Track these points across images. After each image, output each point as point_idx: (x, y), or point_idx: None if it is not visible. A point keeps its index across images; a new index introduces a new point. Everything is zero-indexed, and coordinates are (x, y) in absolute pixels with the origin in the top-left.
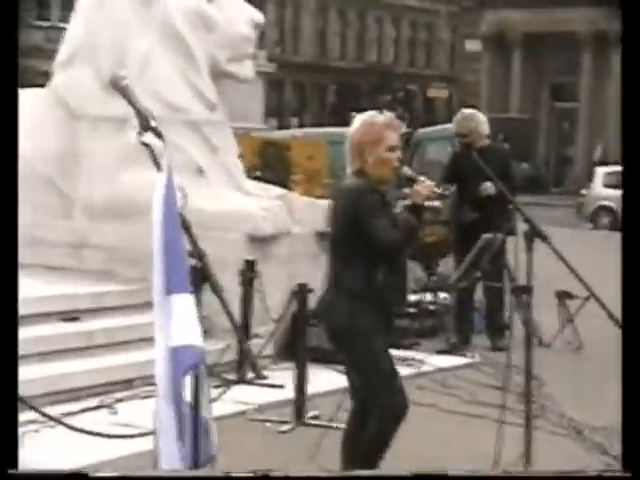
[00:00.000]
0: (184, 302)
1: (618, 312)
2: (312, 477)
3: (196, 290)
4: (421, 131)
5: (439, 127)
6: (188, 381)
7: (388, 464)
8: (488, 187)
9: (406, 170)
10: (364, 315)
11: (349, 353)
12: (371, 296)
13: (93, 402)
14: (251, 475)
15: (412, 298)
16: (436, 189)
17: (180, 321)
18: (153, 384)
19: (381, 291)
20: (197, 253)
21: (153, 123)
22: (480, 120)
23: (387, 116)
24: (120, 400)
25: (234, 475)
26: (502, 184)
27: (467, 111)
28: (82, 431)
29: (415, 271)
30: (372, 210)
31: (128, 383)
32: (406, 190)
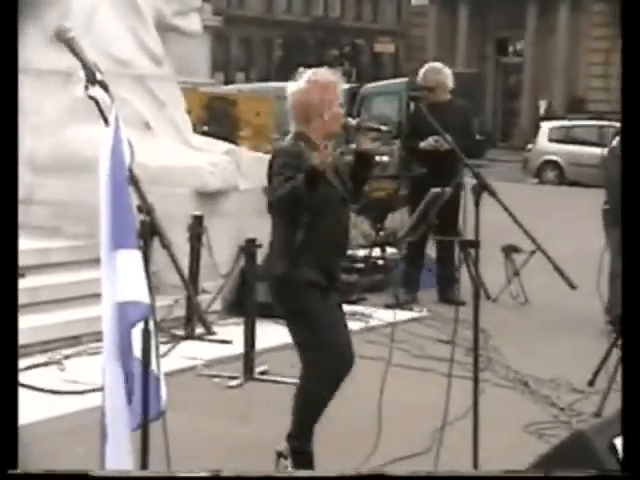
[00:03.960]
0: (131, 258)
1: (564, 265)
2: (309, 477)
3: (144, 245)
4: (368, 86)
5: (386, 82)
6: (136, 336)
7: (338, 417)
8: (430, 142)
9: (350, 120)
10: (298, 270)
11: (285, 307)
12: (302, 252)
13: (41, 359)
14: (255, 476)
15: (360, 253)
16: (379, 127)
17: (126, 277)
18: (101, 340)
19: (310, 248)
20: (145, 208)
21: (100, 76)
22: (446, 73)
23: (331, 72)
24: (68, 357)
25: (241, 475)
26: (460, 140)
27: (434, 64)
28: (30, 387)
29: (363, 226)
30: (277, 171)
31: (76, 339)
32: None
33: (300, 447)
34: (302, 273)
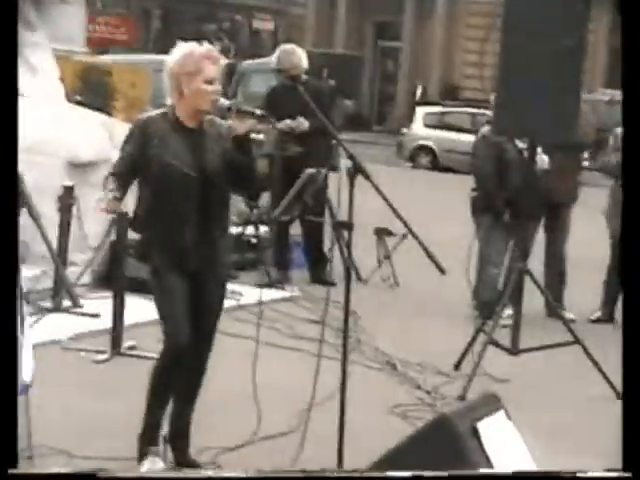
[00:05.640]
0: None
1: (434, 250)
2: (302, 477)
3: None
4: (246, 63)
5: (264, 59)
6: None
7: (201, 398)
8: (301, 122)
9: (224, 102)
10: (149, 247)
11: (150, 289)
12: (146, 224)
13: None
14: (260, 476)
15: (233, 231)
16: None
17: None
18: None
19: (155, 221)
20: None
21: None
22: (300, 55)
23: (206, 47)
24: None
25: (245, 476)
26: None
27: (288, 46)
28: None
29: (237, 204)
30: (124, 141)
31: None
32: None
33: (148, 425)
34: (146, 246)
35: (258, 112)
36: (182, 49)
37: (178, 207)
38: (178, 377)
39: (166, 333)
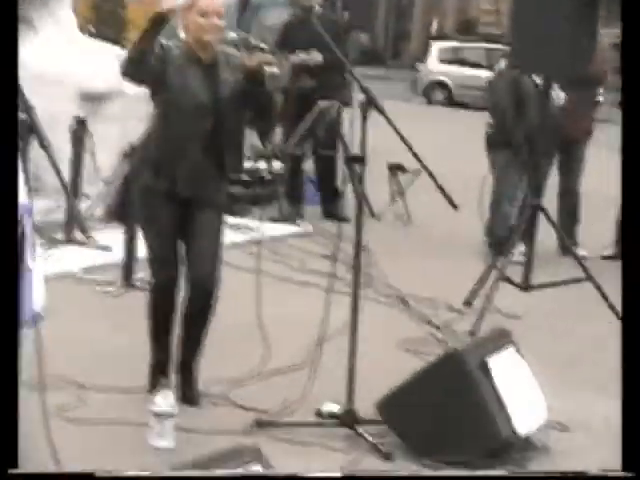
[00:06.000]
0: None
1: (447, 186)
2: (308, 477)
3: (23, 145)
4: None
5: None
6: None
7: (211, 330)
8: (315, 55)
9: (232, 35)
10: (137, 170)
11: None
12: (143, 150)
13: None
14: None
15: (246, 165)
16: (259, 45)
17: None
18: None
19: (153, 146)
20: (24, 106)
21: None
22: None
23: None
24: None
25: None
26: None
27: None
28: None
29: (250, 138)
30: None
31: None
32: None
33: (155, 356)
34: (140, 174)
35: (263, 46)
36: None
37: (184, 133)
38: (174, 306)
39: (152, 265)
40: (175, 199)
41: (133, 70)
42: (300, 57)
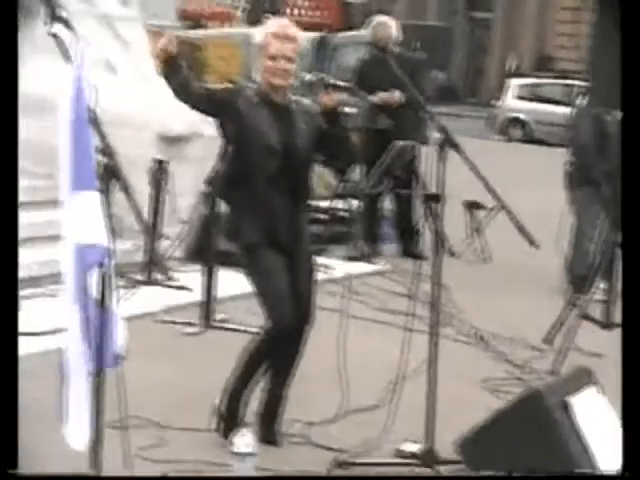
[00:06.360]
0: (90, 200)
1: (526, 223)
2: (308, 477)
3: (105, 188)
4: (338, 35)
5: (355, 32)
6: (94, 279)
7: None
8: (397, 95)
9: (308, 76)
10: (247, 228)
11: (242, 266)
12: (250, 208)
13: None
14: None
15: (322, 204)
16: (339, 83)
17: (85, 219)
18: (59, 282)
19: (256, 202)
20: (106, 150)
21: (63, 13)
22: (393, 27)
23: (279, 24)
24: (26, 297)
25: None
26: (415, 92)
27: (382, 18)
28: None
29: (325, 177)
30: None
31: (34, 281)
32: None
33: (234, 398)
34: (251, 232)
35: (346, 85)
36: (270, 23)
37: (263, 179)
38: (278, 354)
39: (271, 313)
40: (277, 246)
41: (182, 95)
42: (380, 96)
